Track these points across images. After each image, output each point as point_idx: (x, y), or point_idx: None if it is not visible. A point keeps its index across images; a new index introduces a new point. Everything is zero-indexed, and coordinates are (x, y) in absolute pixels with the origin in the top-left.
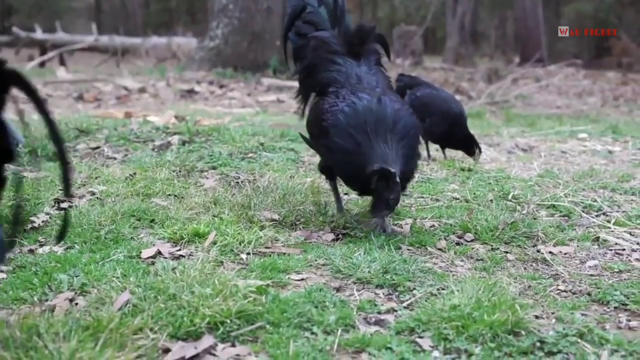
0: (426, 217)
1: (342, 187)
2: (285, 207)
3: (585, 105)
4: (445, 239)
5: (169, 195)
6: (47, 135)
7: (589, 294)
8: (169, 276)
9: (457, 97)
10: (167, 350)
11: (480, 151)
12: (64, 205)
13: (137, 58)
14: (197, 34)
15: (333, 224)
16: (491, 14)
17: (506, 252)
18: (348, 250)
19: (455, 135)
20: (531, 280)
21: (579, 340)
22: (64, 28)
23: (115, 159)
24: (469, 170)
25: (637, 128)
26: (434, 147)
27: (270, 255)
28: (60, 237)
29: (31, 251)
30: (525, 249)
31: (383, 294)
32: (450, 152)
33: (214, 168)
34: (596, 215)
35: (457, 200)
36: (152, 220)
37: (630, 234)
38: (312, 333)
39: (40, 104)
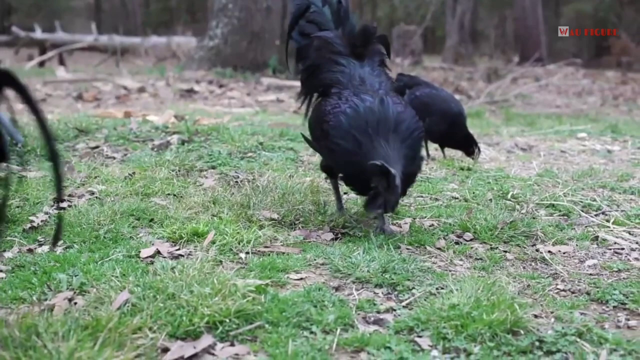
0: (425, 217)
1: (342, 187)
2: (285, 206)
3: (584, 105)
4: (444, 238)
5: (168, 194)
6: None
7: (588, 293)
8: (168, 275)
9: (457, 96)
10: (166, 350)
11: (479, 150)
12: (61, 205)
13: (136, 57)
14: (197, 34)
15: (332, 224)
16: (491, 14)
17: (505, 252)
18: (347, 249)
19: (455, 134)
20: (530, 280)
21: (578, 340)
22: (64, 27)
23: (114, 158)
24: (468, 169)
25: (637, 127)
26: (433, 147)
27: (269, 255)
28: (55, 240)
29: (30, 251)
30: (525, 248)
31: (382, 293)
32: (449, 152)
33: (213, 167)
34: (595, 215)
35: (456, 200)
36: (151, 220)
37: (630, 233)
38: (311, 332)
39: (32, 104)
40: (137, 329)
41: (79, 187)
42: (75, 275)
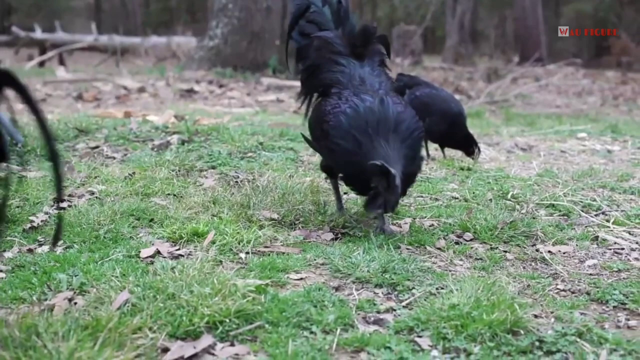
0: (425, 217)
1: (342, 187)
2: (285, 206)
3: (584, 105)
4: (444, 238)
5: (168, 194)
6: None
7: (588, 293)
8: (168, 275)
9: (457, 96)
10: (166, 350)
11: (479, 150)
12: (61, 205)
13: (136, 57)
14: (197, 34)
15: (332, 224)
16: (491, 14)
17: (505, 252)
18: (347, 249)
19: (455, 134)
20: (530, 280)
21: (578, 340)
22: (64, 27)
23: (114, 158)
24: (468, 169)
25: (637, 127)
26: (433, 147)
27: (269, 255)
28: (55, 240)
29: (30, 251)
30: (525, 248)
31: (382, 293)
32: (449, 152)
33: (213, 167)
34: (595, 215)
35: (456, 200)
36: (151, 220)
37: (629, 233)
38: (311, 332)
39: (32, 104)
40: (137, 329)
41: (79, 187)
42: (75, 275)
